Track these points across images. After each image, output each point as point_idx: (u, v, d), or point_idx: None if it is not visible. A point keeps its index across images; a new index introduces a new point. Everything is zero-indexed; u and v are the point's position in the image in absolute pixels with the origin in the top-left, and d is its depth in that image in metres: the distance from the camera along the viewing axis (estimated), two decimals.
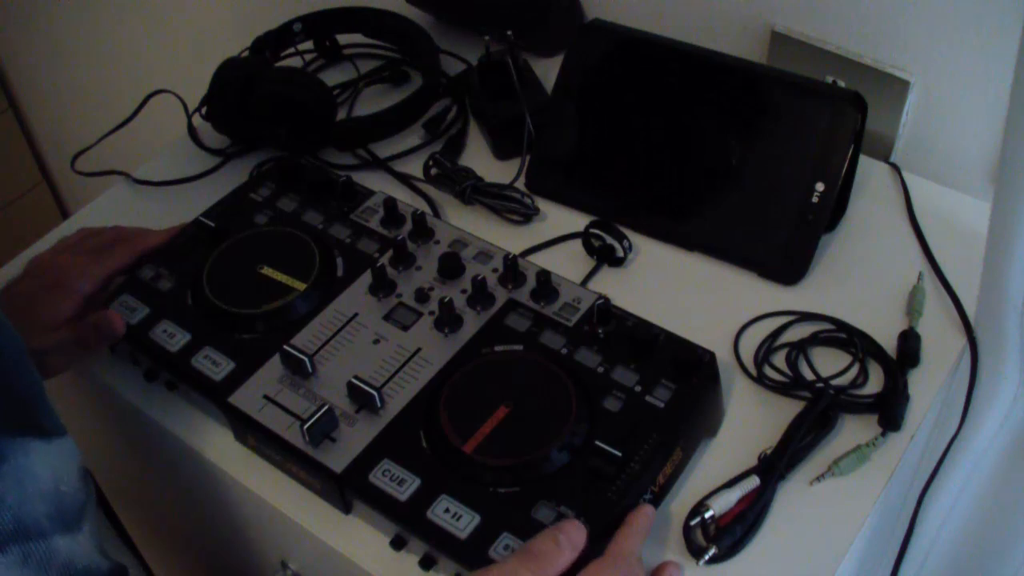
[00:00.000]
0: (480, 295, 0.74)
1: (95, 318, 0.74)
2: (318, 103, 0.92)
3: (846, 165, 0.78)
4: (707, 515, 0.63)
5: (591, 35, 0.88)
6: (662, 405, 0.66)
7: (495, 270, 0.77)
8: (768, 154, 0.80)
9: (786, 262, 0.79)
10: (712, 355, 0.69)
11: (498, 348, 0.71)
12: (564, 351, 0.70)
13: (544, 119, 0.90)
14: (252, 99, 0.90)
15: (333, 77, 1.04)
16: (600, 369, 0.68)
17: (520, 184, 0.89)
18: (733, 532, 0.63)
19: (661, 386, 0.67)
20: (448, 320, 0.73)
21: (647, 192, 0.85)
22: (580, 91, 0.88)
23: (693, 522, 0.63)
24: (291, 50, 1.05)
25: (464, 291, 0.75)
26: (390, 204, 0.82)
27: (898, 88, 0.84)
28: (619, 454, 0.63)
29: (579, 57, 0.88)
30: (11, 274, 0.87)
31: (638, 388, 0.67)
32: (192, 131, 0.98)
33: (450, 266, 0.76)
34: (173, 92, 0.96)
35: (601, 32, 0.87)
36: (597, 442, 0.63)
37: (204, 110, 0.95)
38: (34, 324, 0.73)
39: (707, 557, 0.62)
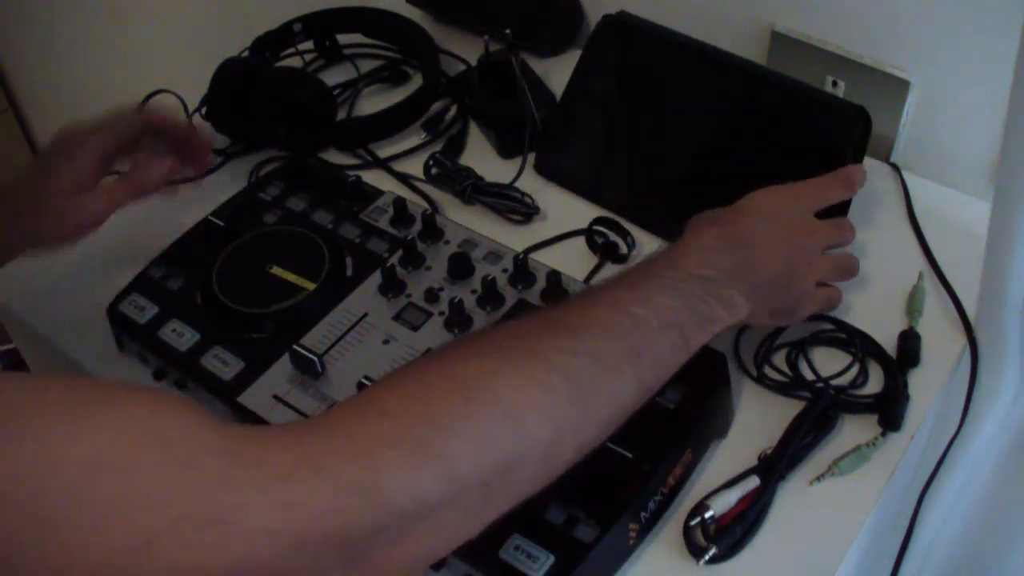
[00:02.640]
0: (490, 295, 0.74)
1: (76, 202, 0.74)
2: (318, 103, 0.92)
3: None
4: (707, 515, 0.63)
5: (614, 27, 0.87)
6: (672, 406, 0.66)
7: (505, 270, 0.77)
8: (775, 157, 0.80)
9: None
10: (723, 356, 0.68)
11: None
12: None
13: (560, 104, 0.91)
14: (252, 99, 0.90)
15: (333, 77, 1.04)
16: None
17: (525, 176, 0.89)
18: (733, 532, 0.63)
19: (671, 387, 0.66)
20: (458, 320, 0.73)
21: (654, 188, 0.85)
22: (597, 81, 0.88)
23: (693, 522, 0.63)
24: (291, 50, 1.05)
25: (474, 291, 0.75)
26: (400, 204, 0.82)
27: (898, 88, 0.84)
28: (629, 455, 0.62)
29: (599, 48, 0.88)
30: (12, 273, 0.87)
31: None
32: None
33: (460, 266, 0.76)
34: (173, 92, 0.96)
35: (624, 26, 0.87)
36: (607, 443, 0.63)
37: (204, 110, 0.95)
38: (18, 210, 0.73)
39: (707, 557, 0.62)
